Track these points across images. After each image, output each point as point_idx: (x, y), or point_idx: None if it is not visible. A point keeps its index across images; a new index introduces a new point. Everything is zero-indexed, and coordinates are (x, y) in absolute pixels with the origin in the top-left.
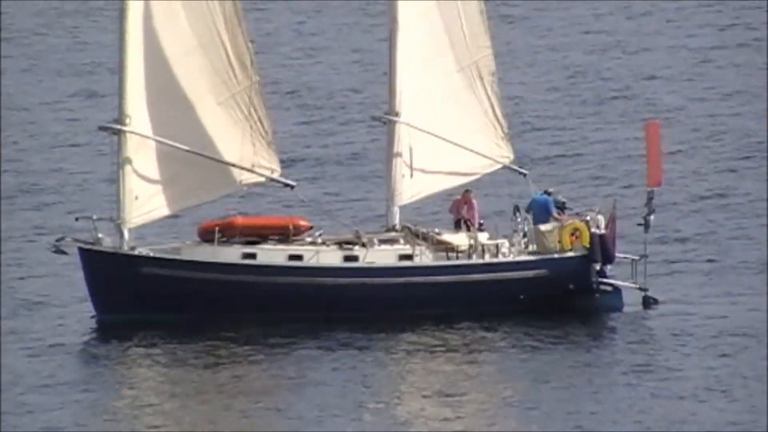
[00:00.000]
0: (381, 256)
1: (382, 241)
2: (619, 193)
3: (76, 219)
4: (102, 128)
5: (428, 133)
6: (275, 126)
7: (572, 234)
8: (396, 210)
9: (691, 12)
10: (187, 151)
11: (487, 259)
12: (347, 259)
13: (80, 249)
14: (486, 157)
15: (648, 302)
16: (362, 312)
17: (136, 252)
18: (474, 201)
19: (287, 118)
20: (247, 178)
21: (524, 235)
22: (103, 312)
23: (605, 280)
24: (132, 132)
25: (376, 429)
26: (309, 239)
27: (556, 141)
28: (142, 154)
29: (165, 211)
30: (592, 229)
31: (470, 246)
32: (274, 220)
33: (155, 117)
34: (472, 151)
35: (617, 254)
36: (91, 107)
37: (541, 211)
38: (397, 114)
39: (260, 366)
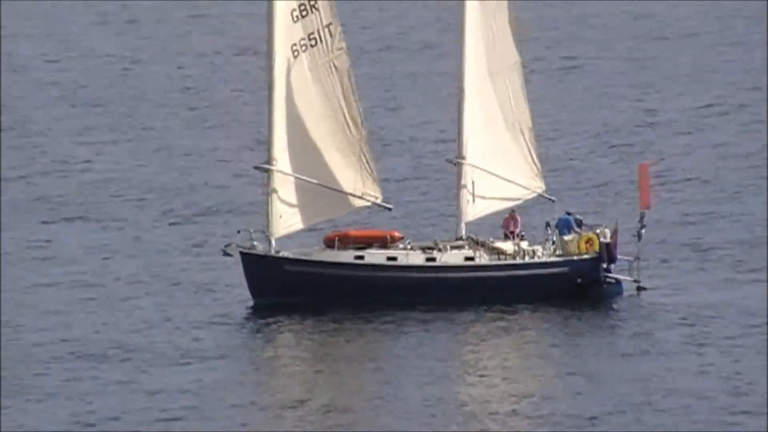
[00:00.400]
0: (452, 257)
1: (453, 247)
2: (621, 214)
3: (238, 231)
4: (256, 167)
5: (485, 171)
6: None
7: (587, 243)
8: (463, 225)
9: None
10: (317, 183)
11: (527, 260)
12: (428, 259)
13: (241, 252)
14: (526, 188)
15: (640, 290)
16: (439, 297)
17: (280, 254)
18: (518, 218)
19: (385, 159)
20: (359, 203)
21: (553, 243)
22: (257, 296)
23: (610, 275)
24: (278, 170)
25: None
26: (401, 246)
27: (577, 175)
28: (284, 185)
29: (300, 226)
30: (601, 239)
31: (515, 251)
32: (377, 232)
33: (293, 159)
34: (516, 183)
35: (619, 256)
36: (246, 152)
37: (564, 227)
38: (463, 157)
39: (365, 336)
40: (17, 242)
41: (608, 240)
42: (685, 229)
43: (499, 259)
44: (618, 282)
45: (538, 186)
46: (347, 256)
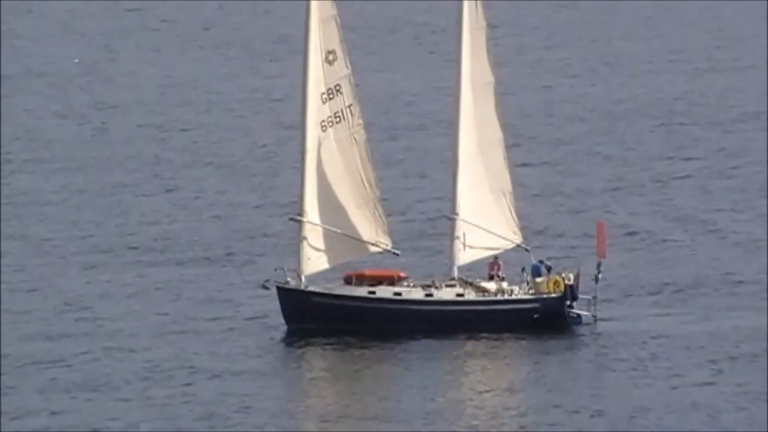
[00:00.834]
0: (446, 293)
1: (447, 285)
2: (582, 261)
3: (275, 270)
4: (291, 219)
5: (474, 225)
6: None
7: (554, 284)
8: (455, 268)
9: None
10: (340, 233)
11: (506, 297)
12: (427, 295)
13: (277, 287)
14: (506, 239)
15: (596, 322)
16: (435, 326)
17: (308, 288)
18: (500, 263)
19: (394, 213)
20: (373, 248)
21: (527, 284)
22: (290, 322)
23: (572, 311)
24: (308, 221)
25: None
26: (405, 283)
27: (548, 230)
28: (313, 233)
29: (326, 266)
30: (565, 281)
31: (497, 289)
32: (386, 272)
33: (321, 212)
34: (498, 236)
35: (579, 296)
36: (283, 207)
37: (536, 271)
38: (457, 214)
39: (376, 357)
40: (107, 283)
41: (571, 282)
42: (636, 272)
43: (483, 295)
44: (579, 316)
45: (516, 238)
46: (362, 291)
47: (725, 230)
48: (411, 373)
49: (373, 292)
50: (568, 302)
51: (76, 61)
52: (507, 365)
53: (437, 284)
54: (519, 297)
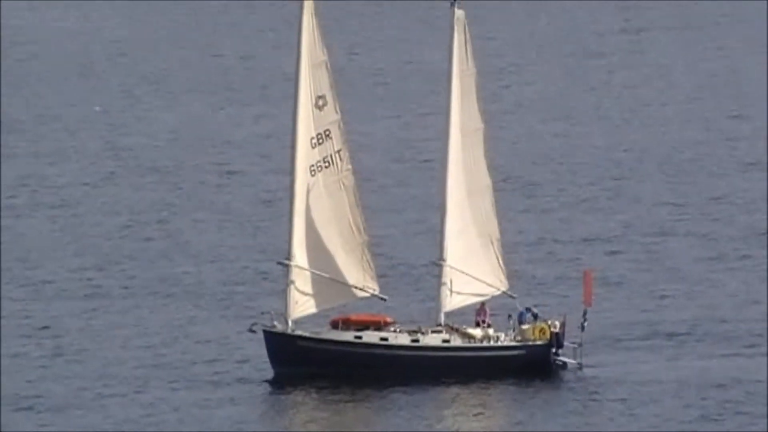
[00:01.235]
0: (432, 339)
1: (433, 331)
2: (568, 309)
3: (262, 313)
4: (279, 263)
5: (461, 271)
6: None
7: (540, 331)
8: (442, 314)
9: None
10: (327, 277)
11: (492, 344)
12: (413, 341)
13: (264, 330)
14: (493, 286)
15: (581, 369)
16: (419, 371)
17: (295, 333)
18: (487, 310)
19: (382, 258)
20: (360, 293)
21: (513, 331)
22: (276, 366)
23: (558, 357)
24: (295, 265)
25: None
26: (392, 329)
27: (535, 277)
28: (300, 277)
29: (313, 310)
30: (551, 329)
31: (483, 336)
32: (372, 317)
33: (309, 256)
34: (485, 282)
35: (565, 343)
36: (269, 251)
37: (522, 318)
38: (444, 260)
39: (362, 402)
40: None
41: (557, 330)
42: (622, 319)
43: (469, 342)
44: (565, 363)
45: (502, 285)
46: (348, 335)
47: (713, 279)
48: (397, 419)
49: (360, 337)
50: (553, 349)
51: (97, 108)
52: (493, 411)
53: (423, 330)
54: (505, 344)
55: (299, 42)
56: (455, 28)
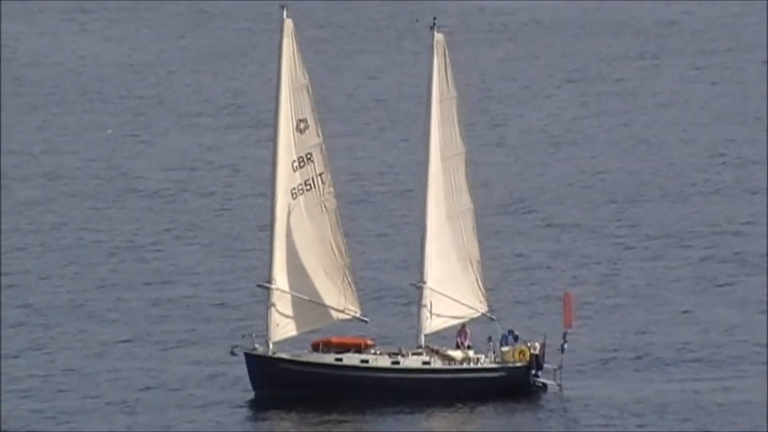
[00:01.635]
0: (412, 361)
1: (414, 354)
2: (548, 331)
3: (243, 336)
4: (259, 285)
5: (441, 294)
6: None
7: (520, 353)
8: (422, 337)
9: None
10: (308, 300)
11: (472, 365)
12: (393, 363)
13: (245, 353)
14: (473, 308)
15: (561, 389)
16: (400, 393)
17: (276, 355)
18: (467, 331)
19: (363, 281)
20: (341, 316)
21: (493, 353)
22: (257, 388)
23: (538, 379)
24: (276, 288)
25: None
26: (372, 351)
27: (515, 300)
28: (281, 300)
29: (294, 333)
30: (531, 351)
31: (463, 358)
32: (353, 339)
33: (290, 279)
34: (465, 305)
35: (545, 365)
36: (250, 273)
37: (505, 341)
38: (424, 282)
39: (343, 424)
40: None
41: (537, 352)
42: (605, 342)
43: (450, 364)
44: (544, 385)
45: (482, 307)
46: (329, 358)
47: (698, 303)
48: None
49: (341, 360)
50: (533, 371)
51: (109, 131)
52: None
53: (404, 352)
54: (485, 366)
55: (279, 65)
56: (435, 51)
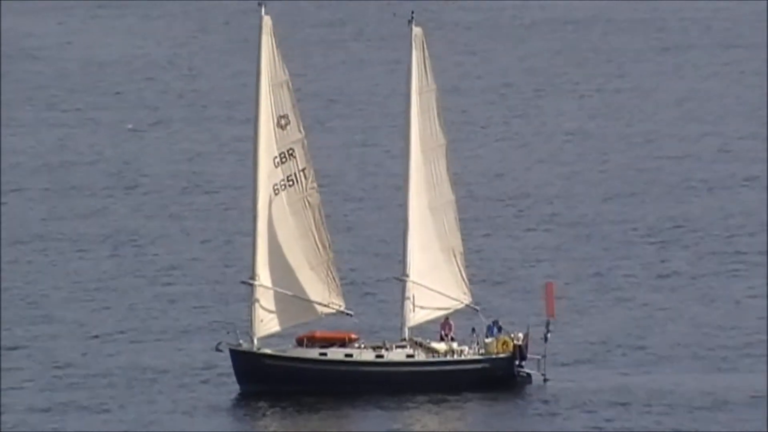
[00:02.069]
0: (396, 355)
1: (398, 347)
2: (531, 321)
3: (227, 332)
4: (243, 282)
5: (424, 286)
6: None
7: (503, 344)
8: (406, 329)
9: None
10: (291, 295)
11: (456, 357)
12: (377, 356)
13: (230, 349)
14: (456, 300)
15: (546, 381)
16: (384, 387)
17: (261, 351)
18: (451, 323)
19: (347, 275)
20: (325, 310)
21: (477, 344)
22: (242, 383)
23: (522, 370)
24: (259, 284)
25: None
26: (356, 345)
27: (497, 290)
28: (265, 296)
29: (278, 329)
30: (515, 342)
31: (447, 350)
32: (337, 334)
33: (273, 275)
34: (449, 296)
35: (528, 355)
36: (234, 269)
37: (490, 332)
38: (407, 275)
39: (328, 418)
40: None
41: (520, 342)
42: (591, 333)
43: (433, 356)
44: (528, 375)
45: (466, 298)
46: (314, 353)
47: (686, 296)
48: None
49: (325, 354)
50: (517, 362)
51: (129, 126)
52: (457, 425)
53: (388, 345)
54: (469, 357)
55: (259, 62)
56: (413, 45)
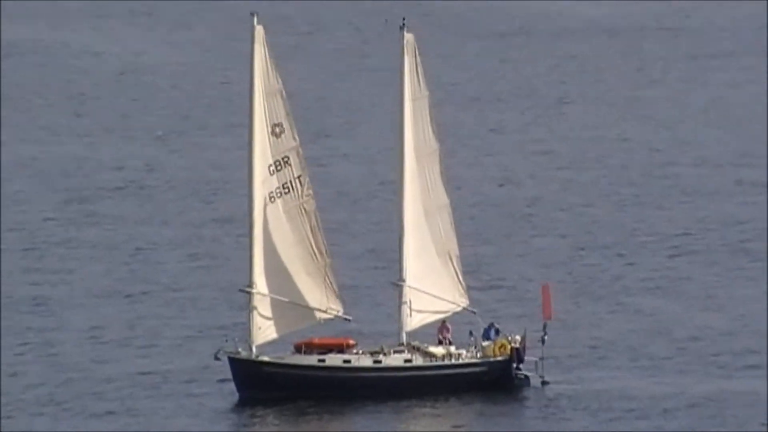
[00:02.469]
0: (394, 360)
1: (395, 351)
2: (528, 324)
3: (225, 340)
4: (240, 290)
5: (421, 291)
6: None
7: (500, 348)
8: (404, 334)
9: None
10: (288, 301)
11: (453, 361)
12: (375, 362)
13: (229, 357)
14: (453, 303)
15: (544, 383)
16: (383, 392)
17: (259, 358)
18: (449, 327)
19: (344, 280)
20: (323, 315)
21: (475, 347)
22: (241, 390)
23: (520, 372)
24: (257, 292)
25: None
26: (354, 351)
27: (494, 293)
28: (262, 303)
29: (275, 336)
30: (512, 344)
31: (444, 354)
32: (335, 340)
33: (269, 282)
34: (446, 299)
35: (526, 357)
36: (232, 277)
37: (487, 335)
38: (404, 280)
39: (327, 425)
40: None
41: (518, 345)
42: (581, 333)
43: (431, 361)
44: (526, 377)
45: (463, 301)
46: (312, 359)
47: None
48: None
49: (323, 360)
50: (515, 364)
51: (159, 133)
52: (455, 428)
53: (386, 351)
54: (466, 361)
55: (252, 70)
56: (405, 51)
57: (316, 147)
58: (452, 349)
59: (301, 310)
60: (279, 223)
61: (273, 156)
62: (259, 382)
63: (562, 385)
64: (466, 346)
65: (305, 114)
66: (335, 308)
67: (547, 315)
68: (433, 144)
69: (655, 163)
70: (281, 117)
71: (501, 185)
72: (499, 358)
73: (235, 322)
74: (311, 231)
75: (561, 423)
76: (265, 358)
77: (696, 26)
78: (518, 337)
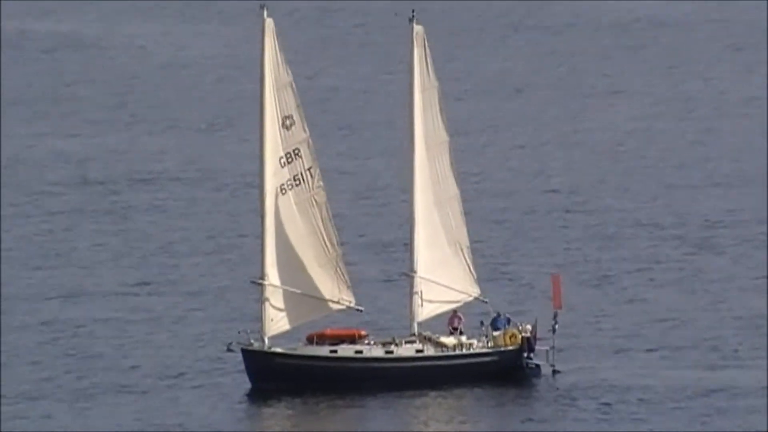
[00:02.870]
0: (405, 350)
1: (407, 342)
2: (538, 313)
3: (239, 332)
4: (252, 282)
5: (432, 281)
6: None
7: (510, 337)
8: (415, 324)
9: None
10: (300, 293)
11: (465, 351)
12: (387, 352)
13: (242, 348)
14: (464, 293)
15: (555, 372)
16: (395, 382)
17: (272, 349)
18: (461, 317)
19: (356, 271)
20: (335, 306)
21: (486, 337)
22: (254, 381)
23: (531, 361)
24: (269, 284)
25: None
26: (366, 342)
27: (505, 282)
28: (274, 295)
29: (288, 327)
30: (522, 334)
31: (455, 344)
32: (347, 331)
33: (281, 274)
34: (457, 289)
35: (537, 347)
36: (244, 269)
37: (498, 324)
38: (415, 271)
39: (339, 415)
40: None
41: (528, 334)
42: (593, 323)
43: (442, 351)
44: (537, 366)
45: (474, 291)
46: (324, 350)
47: (696, 288)
48: (372, 425)
49: (335, 351)
50: (525, 354)
51: (203, 126)
52: (467, 419)
53: (397, 341)
54: (477, 351)
55: (262, 63)
56: (415, 43)
57: (326, 139)
58: (463, 339)
59: (313, 301)
60: (290, 215)
61: (284, 148)
62: (271, 373)
63: (572, 375)
64: (477, 336)
65: (315, 106)
66: (347, 299)
67: (557, 304)
68: (443, 135)
69: (672, 154)
70: (292, 109)
71: (513, 176)
72: (510, 348)
73: (250, 314)
74: (322, 222)
75: (572, 411)
76: (278, 350)
77: (745, 19)
78: (529, 327)
